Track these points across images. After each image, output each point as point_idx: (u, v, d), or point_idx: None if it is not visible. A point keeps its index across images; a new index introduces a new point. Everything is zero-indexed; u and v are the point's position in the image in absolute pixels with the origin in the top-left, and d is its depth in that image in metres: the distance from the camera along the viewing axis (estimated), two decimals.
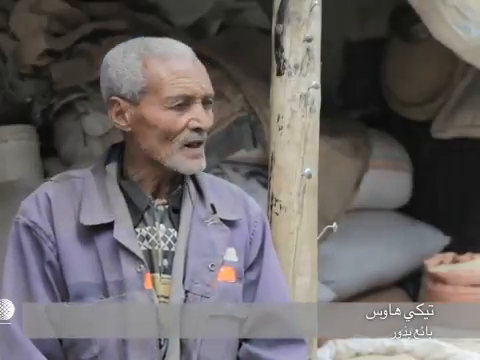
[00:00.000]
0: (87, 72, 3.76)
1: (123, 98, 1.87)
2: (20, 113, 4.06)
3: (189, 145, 1.86)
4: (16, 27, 3.95)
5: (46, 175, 3.91)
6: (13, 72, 4.04)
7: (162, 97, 1.83)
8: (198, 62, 1.90)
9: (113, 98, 1.88)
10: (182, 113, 1.85)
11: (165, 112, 1.84)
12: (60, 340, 1.85)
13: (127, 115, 1.87)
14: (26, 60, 3.92)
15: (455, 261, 4.25)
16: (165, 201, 1.92)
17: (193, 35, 4.13)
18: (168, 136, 1.84)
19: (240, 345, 1.96)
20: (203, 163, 1.90)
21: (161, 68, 1.84)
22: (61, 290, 1.84)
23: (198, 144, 1.87)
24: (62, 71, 3.91)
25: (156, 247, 1.87)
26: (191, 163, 1.87)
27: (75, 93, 3.86)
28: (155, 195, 1.92)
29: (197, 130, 1.86)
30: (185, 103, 1.85)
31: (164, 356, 1.83)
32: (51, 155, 4.09)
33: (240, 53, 4.17)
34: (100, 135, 3.77)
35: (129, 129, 1.88)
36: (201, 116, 1.86)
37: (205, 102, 1.88)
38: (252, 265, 1.98)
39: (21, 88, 4.03)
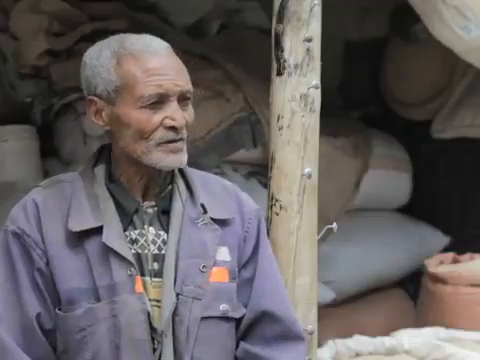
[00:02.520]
0: None
1: (99, 97, 1.86)
2: (20, 113, 4.05)
3: (166, 142, 1.84)
4: (16, 27, 3.94)
5: (46, 175, 3.91)
6: (13, 72, 4.03)
7: (135, 96, 1.81)
8: (175, 59, 1.87)
9: (90, 97, 1.87)
10: (156, 111, 1.82)
11: (139, 111, 1.82)
12: (53, 346, 1.84)
13: (104, 114, 1.86)
14: (26, 60, 3.92)
15: (455, 261, 4.25)
16: (154, 203, 1.90)
17: (193, 35, 4.13)
18: (142, 135, 1.82)
19: (237, 345, 1.95)
20: (183, 158, 1.87)
21: (134, 66, 1.83)
22: (52, 296, 1.83)
23: (175, 141, 1.85)
24: (62, 71, 3.90)
25: (146, 250, 1.86)
26: (169, 158, 1.85)
27: (75, 93, 3.85)
28: (144, 197, 1.90)
29: (172, 128, 1.83)
30: (159, 101, 1.82)
31: (158, 359, 1.83)
32: (51, 155, 4.08)
33: (240, 53, 4.17)
34: (100, 135, 3.76)
35: (108, 128, 1.88)
36: (176, 114, 1.83)
37: (183, 99, 1.85)
38: (247, 263, 1.97)
39: (21, 88, 4.03)
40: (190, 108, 1.88)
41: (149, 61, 1.83)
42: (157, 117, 1.82)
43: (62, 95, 3.91)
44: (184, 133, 1.86)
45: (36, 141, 4.04)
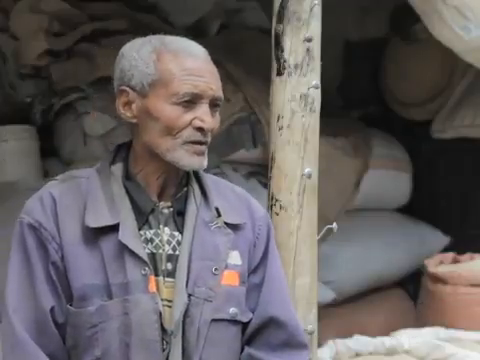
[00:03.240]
0: (87, 72, 3.76)
1: (132, 89, 1.87)
2: (20, 113, 4.06)
3: (192, 142, 1.86)
4: (16, 27, 3.95)
5: (46, 175, 3.91)
6: (13, 72, 4.04)
7: (170, 92, 1.83)
8: (212, 64, 1.90)
9: (122, 87, 1.88)
10: (187, 110, 1.84)
11: (171, 107, 1.84)
12: (63, 340, 1.84)
13: (134, 106, 1.87)
14: (26, 60, 3.92)
15: (455, 261, 4.25)
16: (170, 204, 1.90)
17: (193, 35, 4.12)
18: (170, 131, 1.84)
19: (243, 349, 1.95)
20: (204, 161, 1.89)
21: (173, 63, 1.85)
22: (65, 291, 1.83)
23: (201, 143, 1.87)
24: (62, 71, 3.91)
25: (160, 250, 1.86)
26: (192, 159, 1.87)
27: (75, 93, 3.86)
28: (160, 197, 1.91)
29: (200, 130, 1.85)
30: (192, 101, 1.84)
31: (167, 359, 1.83)
32: (51, 155, 4.09)
33: (240, 53, 4.18)
34: (100, 135, 3.77)
35: (134, 120, 1.88)
36: (206, 117, 1.85)
37: (213, 104, 1.87)
38: (256, 268, 1.97)
39: (21, 88, 4.03)
40: (217, 115, 1.90)
41: (188, 61, 1.85)
42: (187, 116, 1.84)
43: (62, 95, 3.91)
44: (209, 137, 1.89)
45: (36, 141, 4.04)
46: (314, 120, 2.33)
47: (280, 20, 2.31)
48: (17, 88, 4.05)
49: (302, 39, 2.30)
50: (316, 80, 2.32)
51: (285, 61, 2.31)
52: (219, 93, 1.88)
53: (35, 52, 3.87)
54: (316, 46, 2.33)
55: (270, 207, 2.34)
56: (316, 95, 2.33)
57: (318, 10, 2.32)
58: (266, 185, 2.42)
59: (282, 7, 2.31)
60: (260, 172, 3.86)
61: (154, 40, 1.90)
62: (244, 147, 3.81)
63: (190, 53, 1.87)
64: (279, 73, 2.32)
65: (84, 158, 3.70)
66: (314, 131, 2.34)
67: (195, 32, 4.23)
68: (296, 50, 2.31)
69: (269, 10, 2.41)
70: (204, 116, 1.85)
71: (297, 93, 2.31)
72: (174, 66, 1.85)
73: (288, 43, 2.31)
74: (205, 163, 1.90)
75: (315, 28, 2.32)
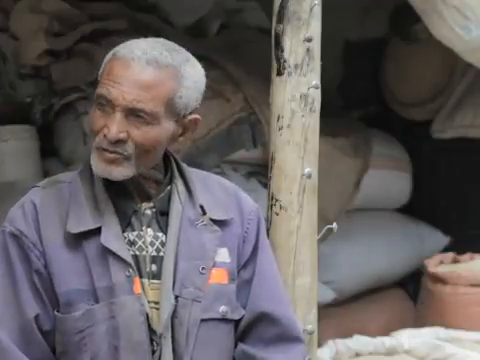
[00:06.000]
0: (87, 72, 3.75)
1: None
2: (20, 113, 4.05)
3: (100, 148, 1.82)
4: (16, 27, 3.94)
5: (46, 175, 3.91)
6: (13, 72, 4.03)
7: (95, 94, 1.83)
8: (150, 74, 1.79)
9: None
10: (104, 116, 1.81)
11: (94, 110, 1.83)
12: (51, 348, 1.84)
13: None
14: (26, 60, 3.92)
15: (455, 261, 4.25)
16: (152, 205, 1.89)
17: (193, 35, 4.13)
18: (92, 134, 1.84)
19: (236, 346, 1.94)
20: (114, 171, 1.82)
21: (105, 67, 1.84)
22: (50, 298, 1.82)
23: (107, 151, 1.81)
24: (62, 71, 3.90)
25: (144, 252, 1.85)
26: (100, 166, 1.83)
27: (75, 93, 3.86)
28: (142, 198, 1.89)
29: (106, 137, 1.80)
30: (109, 107, 1.80)
31: None
32: (51, 155, 4.08)
33: (240, 53, 4.17)
34: None
35: None
36: (111, 126, 1.78)
37: (135, 115, 1.79)
38: (246, 263, 1.96)
39: (21, 88, 4.03)
40: (145, 128, 1.80)
41: (116, 67, 1.81)
42: (102, 121, 1.81)
43: (62, 95, 3.91)
44: (125, 148, 1.80)
45: (36, 141, 4.04)
46: (314, 120, 2.33)
47: (280, 20, 2.31)
48: (17, 88, 4.04)
49: (302, 39, 2.30)
50: (316, 80, 2.32)
51: (285, 61, 2.31)
52: (139, 105, 1.78)
53: (35, 52, 3.86)
54: (316, 46, 2.33)
55: (270, 207, 2.33)
56: (316, 95, 2.33)
57: (318, 10, 2.32)
58: (266, 185, 2.42)
59: (282, 7, 2.31)
60: (260, 172, 3.85)
61: (118, 47, 1.86)
62: (244, 147, 3.81)
63: (125, 60, 1.80)
64: (279, 73, 2.32)
65: (84, 158, 3.68)
66: (314, 131, 2.34)
67: (195, 32, 4.23)
68: (296, 50, 2.31)
69: (269, 10, 2.41)
70: (110, 124, 1.79)
71: (297, 93, 2.31)
72: (104, 70, 1.84)
73: (288, 43, 2.31)
74: (117, 174, 1.82)
75: (315, 28, 2.32)
